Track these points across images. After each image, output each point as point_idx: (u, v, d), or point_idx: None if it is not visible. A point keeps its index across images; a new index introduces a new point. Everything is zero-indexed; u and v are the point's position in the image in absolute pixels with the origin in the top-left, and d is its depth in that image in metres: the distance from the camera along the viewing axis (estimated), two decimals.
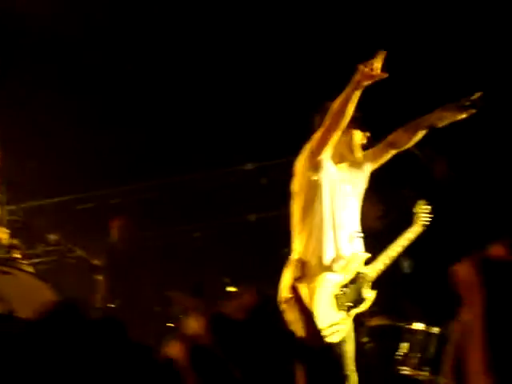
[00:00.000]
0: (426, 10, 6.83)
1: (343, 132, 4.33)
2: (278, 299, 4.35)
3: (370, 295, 4.43)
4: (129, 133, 7.53)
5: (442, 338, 4.51)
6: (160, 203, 7.97)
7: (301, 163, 4.41)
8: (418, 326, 4.57)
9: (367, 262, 4.42)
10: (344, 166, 4.51)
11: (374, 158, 4.55)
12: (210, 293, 6.31)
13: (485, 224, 5.76)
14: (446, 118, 4.40)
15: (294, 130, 6.82)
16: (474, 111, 4.33)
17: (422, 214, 4.73)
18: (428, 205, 4.75)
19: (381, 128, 4.56)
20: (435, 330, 4.55)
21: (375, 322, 5.19)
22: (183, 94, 7.49)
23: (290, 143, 7.16)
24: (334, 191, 4.36)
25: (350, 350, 4.38)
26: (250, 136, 7.31)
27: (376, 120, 4.46)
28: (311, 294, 4.19)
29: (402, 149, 4.53)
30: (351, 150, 4.45)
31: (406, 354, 4.57)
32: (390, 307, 5.14)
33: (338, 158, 4.47)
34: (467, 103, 4.31)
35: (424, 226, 4.69)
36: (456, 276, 0.65)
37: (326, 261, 4.34)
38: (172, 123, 7.52)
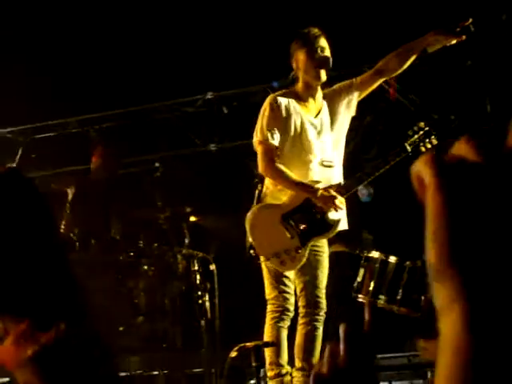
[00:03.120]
0: None
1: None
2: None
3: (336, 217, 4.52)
4: (92, 59, 7.42)
5: (399, 267, 4.64)
6: (119, 133, 7.89)
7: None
8: (375, 254, 4.65)
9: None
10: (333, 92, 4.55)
11: (362, 87, 4.50)
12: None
13: None
14: (436, 43, 4.29)
15: (255, 60, 6.81)
16: (464, 37, 4.23)
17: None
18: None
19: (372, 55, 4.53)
20: (392, 258, 4.66)
21: (332, 249, 5.30)
22: (142, 22, 7.36)
23: (251, 72, 7.15)
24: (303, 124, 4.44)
25: (317, 276, 4.53)
26: (210, 65, 7.25)
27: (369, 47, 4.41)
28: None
29: (393, 75, 4.48)
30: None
31: (362, 282, 4.65)
32: (348, 235, 5.25)
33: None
34: (458, 29, 4.22)
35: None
36: (412, 175, 0.58)
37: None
38: (132, 53, 7.41)
